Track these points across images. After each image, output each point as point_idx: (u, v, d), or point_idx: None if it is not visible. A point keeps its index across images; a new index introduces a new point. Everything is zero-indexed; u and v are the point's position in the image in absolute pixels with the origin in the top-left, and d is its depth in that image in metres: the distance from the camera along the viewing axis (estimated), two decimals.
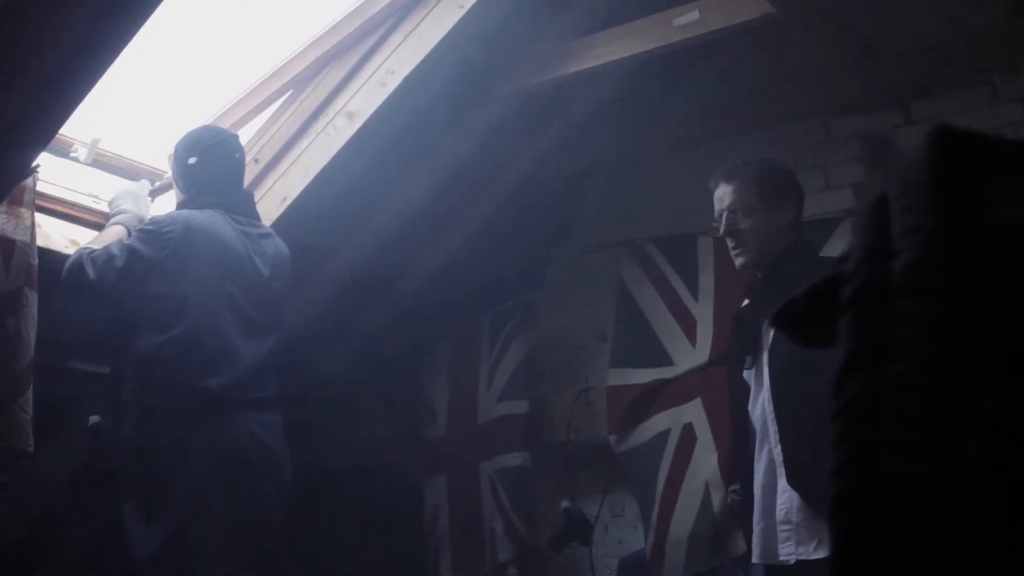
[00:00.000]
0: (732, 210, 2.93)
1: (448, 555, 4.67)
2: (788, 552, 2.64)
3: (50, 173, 3.43)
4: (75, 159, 3.65)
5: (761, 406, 2.83)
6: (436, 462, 4.82)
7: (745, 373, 2.94)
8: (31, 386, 3.08)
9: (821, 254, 4.11)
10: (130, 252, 3.20)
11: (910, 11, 4.12)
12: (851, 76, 4.14)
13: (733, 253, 2.97)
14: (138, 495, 3.07)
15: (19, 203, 3.16)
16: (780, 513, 2.69)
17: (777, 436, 2.73)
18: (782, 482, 2.69)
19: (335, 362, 4.66)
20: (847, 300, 0.79)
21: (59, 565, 3.76)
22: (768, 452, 2.77)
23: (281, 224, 3.81)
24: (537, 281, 4.90)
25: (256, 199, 3.69)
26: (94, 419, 3.32)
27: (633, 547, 4.43)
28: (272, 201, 3.89)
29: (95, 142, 3.65)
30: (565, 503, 4.03)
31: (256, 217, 3.53)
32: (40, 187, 3.32)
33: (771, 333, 2.84)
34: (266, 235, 3.50)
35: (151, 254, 3.20)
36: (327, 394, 4.52)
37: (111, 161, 3.79)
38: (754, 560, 2.80)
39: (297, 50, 3.90)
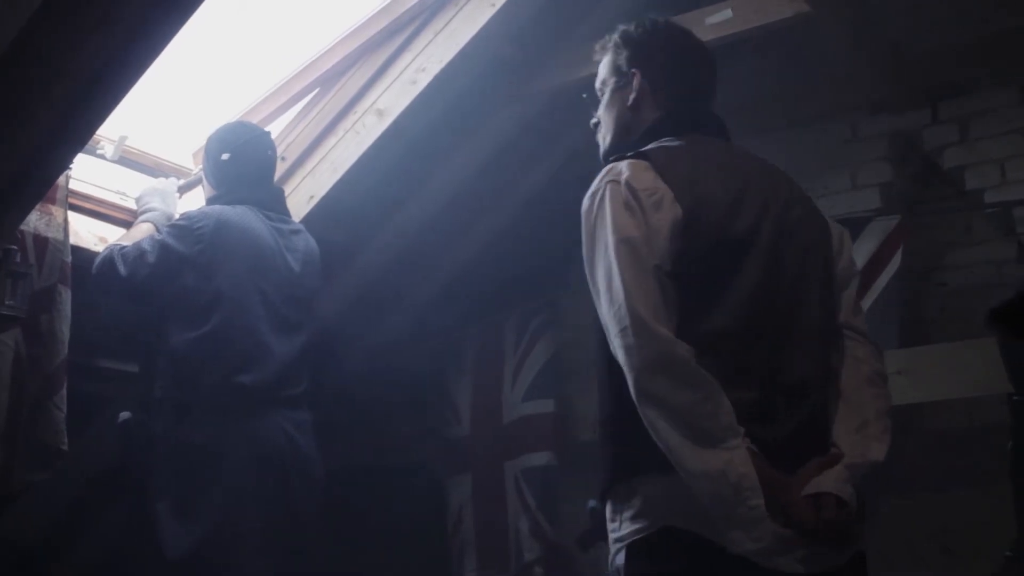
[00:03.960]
0: (594, 96, 2.41)
1: (473, 555, 4.66)
2: None
3: (77, 170, 3.42)
4: (102, 156, 3.64)
5: None
6: (460, 462, 4.81)
7: None
8: (65, 384, 3.07)
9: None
10: (162, 247, 3.20)
11: (939, 11, 4.12)
12: (879, 75, 4.13)
13: None
14: (172, 493, 3.06)
15: (51, 201, 3.15)
16: None
17: None
18: None
19: (359, 360, 4.65)
20: None
21: (84, 563, 3.75)
22: None
23: (309, 222, 3.79)
24: (562, 280, 4.87)
25: None
26: (124, 415, 3.31)
27: None
28: (300, 199, 3.88)
29: (122, 139, 3.65)
30: (592, 503, 3.99)
31: (287, 213, 3.54)
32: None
33: None
34: (297, 231, 3.50)
35: (183, 249, 3.20)
36: (351, 393, 4.50)
37: (137, 158, 3.78)
38: None
39: (325, 47, 3.90)
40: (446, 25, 3.75)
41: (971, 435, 3.80)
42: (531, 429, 4.60)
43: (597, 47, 2.42)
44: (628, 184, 2.06)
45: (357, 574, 4.30)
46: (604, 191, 2.08)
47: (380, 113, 3.83)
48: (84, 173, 3.52)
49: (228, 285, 3.20)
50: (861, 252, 3.97)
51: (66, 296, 3.10)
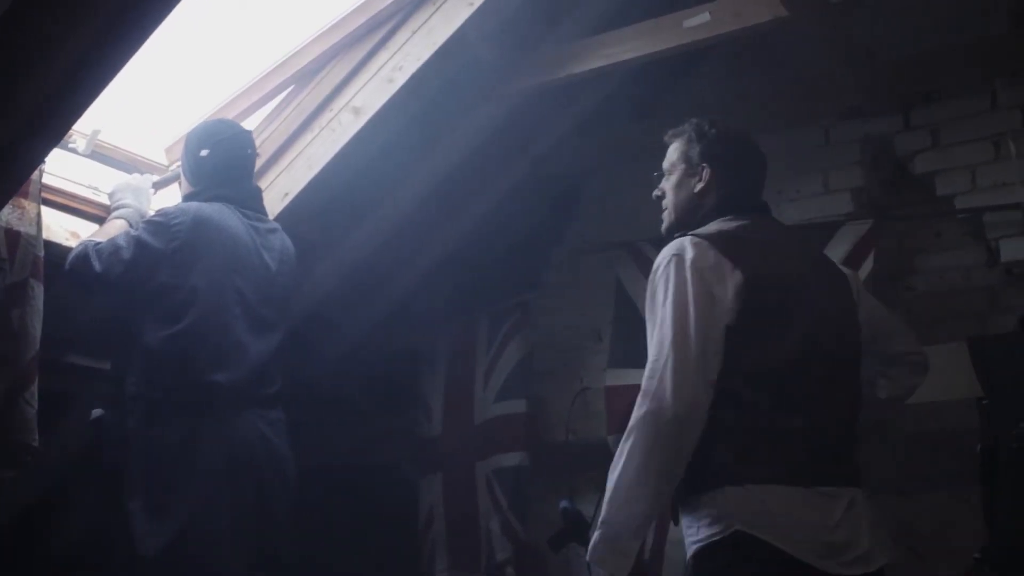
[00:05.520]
0: (662, 172, 2.83)
1: (444, 555, 4.66)
2: None
3: (49, 164, 3.38)
4: (74, 150, 3.60)
5: None
6: (432, 461, 4.81)
7: None
8: (36, 380, 3.04)
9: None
10: (137, 243, 3.17)
11: (913, 19, 4.16)
12: (852, 81, 4.16)
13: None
14: (145, 491, 3.04)
15: (24, 195, 3.11)
16: None
17: None
18: None
19: (331, 359, 4.63)
20: None
21: (56, 559, 3.72)
22: None
23: (282, 219, 3.78)
24: (534, 281, 4.89)
25: None
26: (97, 412, 3.28)
27: None
28: (274, 196, 3.87)
29: (95, 133, 3.60)
30: (564, 503, 4.00)
31: (264, 212, 3.52)
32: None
33: None
34: (273, 230, 3.48)
35: (160, 246, 3.17)
36: (322, 392, 4.49)
37: (110, 153, 3.74)
38: None
39: (301, 44, 3.88)
40: (424, 24, 3.74)
41: (939, 438, 3.84)
42: (503, 429, 4.60)
43: (669, 133, 2.83)
44: (693, 263, 2.47)
45: (329, 573, 4.29)
46: (671, 264, 2.50)
47: (356, 111, 3.82)
48: (56, 167, 3.48)
49: (204, 283, 3.18)
50: (833, 256, 4.01)
51: (38, 291, 3.06)
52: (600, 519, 2.43)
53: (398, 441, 4.93)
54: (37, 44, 2.45)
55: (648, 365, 2.44)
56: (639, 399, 2.41)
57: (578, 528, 4.00)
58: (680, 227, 2.70)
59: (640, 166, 4.71)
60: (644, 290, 4.38)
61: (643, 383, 2.42)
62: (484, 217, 4.70)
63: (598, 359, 4.61)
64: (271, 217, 3.68)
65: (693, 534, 2.43)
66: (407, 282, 4.74)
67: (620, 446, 2.42)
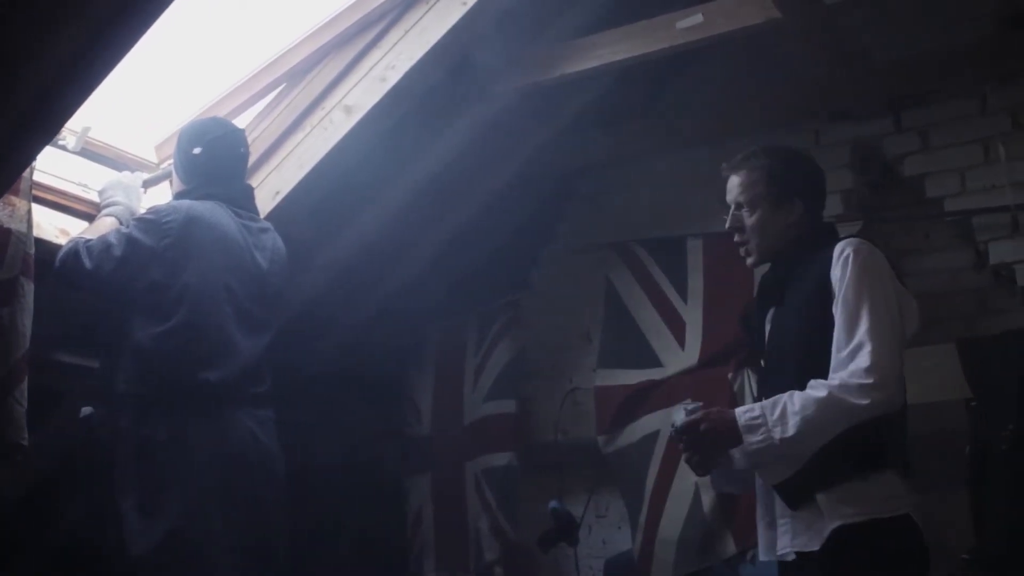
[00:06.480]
0: (738, 205, 2.80)
1: (432, 555, 4.65)
2: (784, 546, 2.63)
3: (39, 161, 3.36)
4: (63, 147, 3.58)
5: None
6: (420, 461, 4.80)
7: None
8: (26, 378, 3.02)
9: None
10: (129, 241, 3.16)
11: (905, 22, 4.17)
12: (843, 83, 4.17)
13: (740, 250, 2.83)
14: (136, 490, 3.02)
15: (15, 192, 3.09)
16: (779, 508, 2.66)
17: None
18: None
19: (320, 359, 4.62)
20: None
21: (45, 558, 3.70)
22: None
23: (273, 218, 3.77)
24: (524, 281, 4.89)
25: None
26: (86, 410, 3.27)
27: (617, 548, 4.44)
28: (265, 194, 3.85)
29: (85, 130, 3.59)
30: (553, 503, 4.01)
31: (255, 211, 3.51)
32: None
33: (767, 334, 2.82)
34: (265, 229, 3.47)
35: (151, 243, 3.16)
36: (311, 391, 4.47)
37: (99, 150, 3.73)
38: (761, 558, 2.78)
39: (293, 42, 3.87)
40: (417, 23, 3.73)
41: (929, 440, 3.84)
42: (492, 429, 4.60)
43: (727, 165, 2.85)
44: (886, 265, 2.63)
45: (318, 572, 4.28)
46: (871, 257, 2.60)
47: (348, 109, 3.81)
48: (46, 164, 3.46)
49: (195, 280, 3.17)
50: None
51: (28, 289, 3.05)
52: (782, 439, 2.48)
53: (387, 441, 4.92)
54: (29, 42, 2.44)
55: (872, 345, 2.47)
56: (870, 367, 2.44)
57: (567, 528, 4.02)
58: (769, 257, 2.79)
59: (632, 167, 4.76)
60: (634, 291, 4.49)
61: (871, 354, 2.45)
62: (475, 216, 4.69)
63: (588, 359, 4.61)
64: (261, 216, 3.66)
65: (852, 504, 2.50)
66: (397, 282, 4.73)
67: (833, 397, 2.46)
